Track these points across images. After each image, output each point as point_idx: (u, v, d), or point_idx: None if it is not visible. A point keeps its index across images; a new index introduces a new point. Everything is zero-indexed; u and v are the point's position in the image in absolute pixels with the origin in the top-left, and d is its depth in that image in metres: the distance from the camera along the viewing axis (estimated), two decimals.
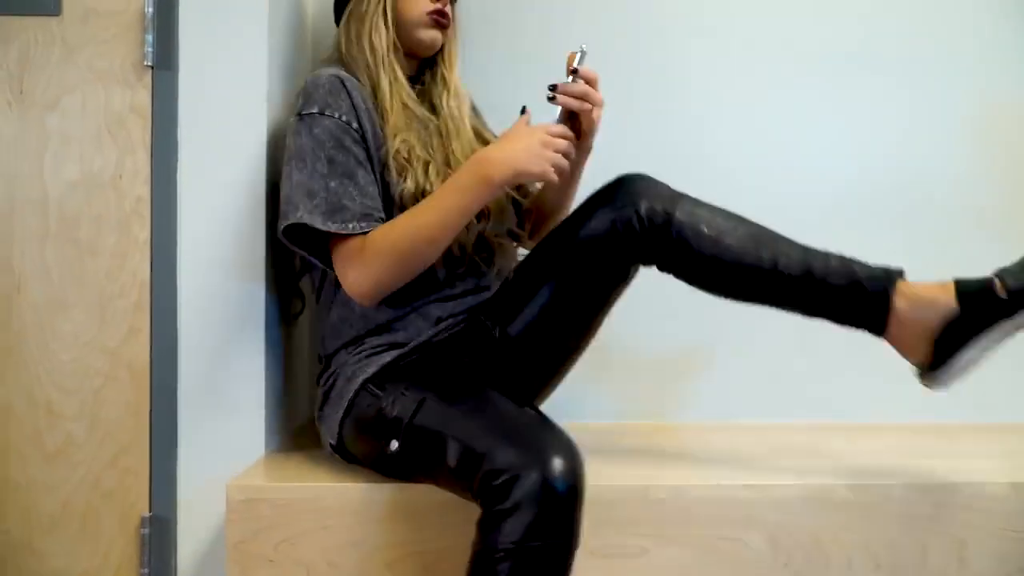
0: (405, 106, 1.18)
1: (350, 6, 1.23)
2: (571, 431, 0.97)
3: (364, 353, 1.14)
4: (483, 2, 1.58)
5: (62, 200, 1.21)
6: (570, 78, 1.11)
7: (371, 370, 1.11)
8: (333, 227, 1.07)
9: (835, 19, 1.64)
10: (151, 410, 1.21)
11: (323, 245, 1.12)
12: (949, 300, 1.03)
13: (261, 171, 1.22)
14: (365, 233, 1.08)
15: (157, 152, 1.21)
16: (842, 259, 1.08)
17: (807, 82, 1.64)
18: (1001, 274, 1.01)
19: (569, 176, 1.21)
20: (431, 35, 1.23)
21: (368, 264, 1.08)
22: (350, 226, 1.08)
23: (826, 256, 1.08)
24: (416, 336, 1.14)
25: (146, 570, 1.20)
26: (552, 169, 1.05)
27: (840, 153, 1.65)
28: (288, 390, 1.36)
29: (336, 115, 1.11)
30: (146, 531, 1.20)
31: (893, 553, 1.08)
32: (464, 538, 0.90)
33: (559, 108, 1.11)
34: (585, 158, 1.22)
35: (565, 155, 1.07)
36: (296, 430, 1.41)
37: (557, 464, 0.88)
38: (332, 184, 1.08)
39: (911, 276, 1.47)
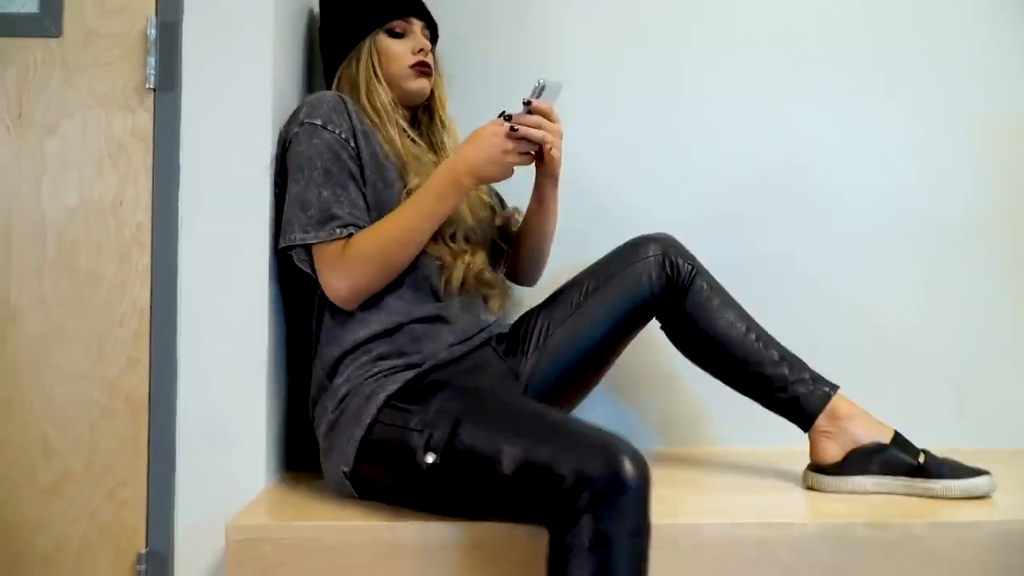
0: (414, 152, 1.25)
1: (340, 71, 1.30)
2: None
3: (381, 373, 1.12)
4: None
5: (61, 227, 1.18)
6: (523, 108, 1.12)
7: (393, 387, 1.10)
8: (323, 235, 1.12)
9: (843, 31, 1.63)
10: (149, 443, 1.17)
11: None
12: (887, 432, 1.21)
13: (265, 195, 1.20)
14: (348, 238, 1.12)
15: (158, 177, 1.18)
16: (801, 366, 1.25)
17: (813, 95, 1.63)
18: (928, 454, 1.19)
19: (547, 210, 1.30)
20: (419, 84, 1.31)
21: (351, 267, 1.13)
22: (337, 231, 1.13)
23: (791, 364, 1.24)
24: (431, 357, 1.14)
25: None
26: (512, 171, 1.15)
27: (847, 167, 1.64)
28: (292, 421, 1.33)
29: (337, 132, 1.16)
30: (143, 567, 1.16)
31: None
32: None
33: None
34: (555, 190, 1.27)
35: (526, 152, 1.14)
36: (299, 462, 1.37)
37: (628, 465, 0.92)
38: (325, 193, 1.14)
39: (920, 292, 1.44)
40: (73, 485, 1.17)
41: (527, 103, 1.12)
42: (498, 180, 1.16)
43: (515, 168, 1.14)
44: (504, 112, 1.13)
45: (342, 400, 1.13)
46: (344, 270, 1.12)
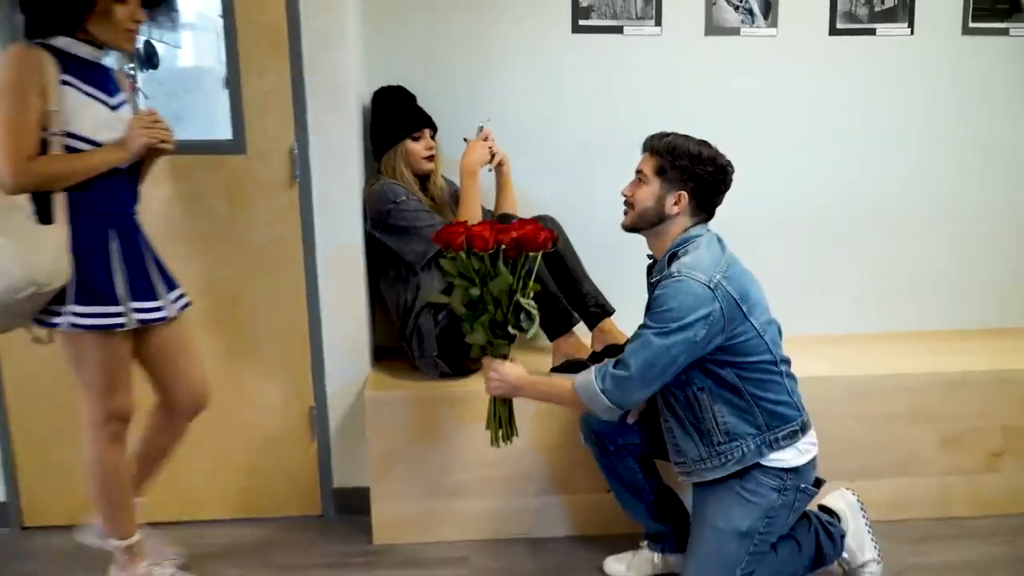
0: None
1: (384, 161, 2.44)
2: None
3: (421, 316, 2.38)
4: None
5: (261, 246, 2.35)
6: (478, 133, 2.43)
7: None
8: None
9: None
10: (311, 348, 2.41)
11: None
12: (587, 351, 2.35)
13: (358, 232, 2.38)
14: None
15: (304, 228, 2.35)
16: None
17: None
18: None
19: (507, 193, 2.50)
20: (429, 167, 2.48)
21: None
22: None
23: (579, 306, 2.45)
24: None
25: (317, 428, 2.45)
26: (489, 156, 2.39)
27: None
28: (375, 328, 2.60)
29: (412, 198, 2.34)
30: (315, 413, 2.45)
31: None
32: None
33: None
34: (508, 179, 2.50)
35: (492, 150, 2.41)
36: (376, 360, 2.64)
37: None
38: (432, 220, 2.33)
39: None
40: (286, 370, 2.41)
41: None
42: (483, 166, 2.36)
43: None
44: (480, 125, 2.39)
45: (413, 328, 2.38)
46: None
